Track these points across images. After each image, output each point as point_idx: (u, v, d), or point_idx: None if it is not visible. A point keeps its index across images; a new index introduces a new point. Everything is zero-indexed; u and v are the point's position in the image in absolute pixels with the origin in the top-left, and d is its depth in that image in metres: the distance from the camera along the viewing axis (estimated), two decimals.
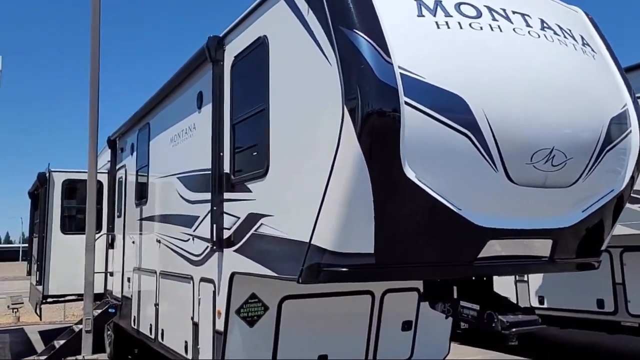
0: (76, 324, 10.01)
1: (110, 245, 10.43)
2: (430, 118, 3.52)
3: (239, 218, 5.07)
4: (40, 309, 10.65)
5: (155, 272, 7.54)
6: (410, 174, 3.53)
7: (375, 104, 3.43)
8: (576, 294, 8.42)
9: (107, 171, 11.26)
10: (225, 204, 5.35)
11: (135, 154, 9.15)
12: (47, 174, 10.65)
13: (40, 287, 10.51)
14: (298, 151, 4.16)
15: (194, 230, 6.17)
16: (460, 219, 3.72)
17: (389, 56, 3.53)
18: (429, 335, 6.25)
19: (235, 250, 5.10)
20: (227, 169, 5.35)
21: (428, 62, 3.62)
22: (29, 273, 14.09)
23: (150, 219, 7.96)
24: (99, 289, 10.75)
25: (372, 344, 5.90)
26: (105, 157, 11.44)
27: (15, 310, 16.93)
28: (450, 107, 3.57)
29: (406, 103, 3.48)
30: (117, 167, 10.39)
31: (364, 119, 3.41)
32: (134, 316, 8.59)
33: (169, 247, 7.02)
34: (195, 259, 6.11)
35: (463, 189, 3.73)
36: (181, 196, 6.68)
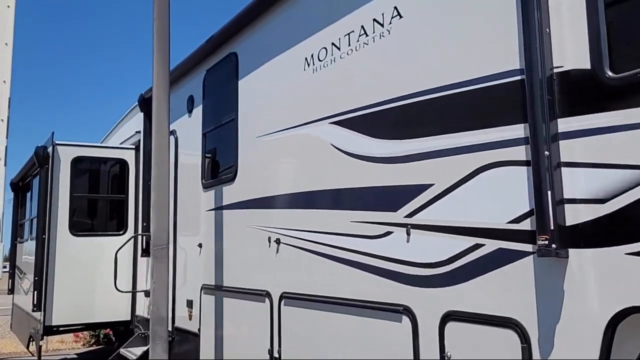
0: None
1: (145, 251, 7.17)
2: None
3: None
4: (40, 348, 7.29)
5: (269, 295, 4.38)
6: None
7: None
8: None
9: (133, 146, 8.00)
10: (567, 144, 2.29)
11: (199, 109, 5.96)
12: (50, 149, 7.33)
13: (38, 315, 7.16)
14: None
15: (411, 216, 3.06)
16: None
17: None
18: None
19: None
20: (582, 61, 2.29)
21: None
22: (11, 291, 10.61)
23: (249, 205, 4.79)
24: (121, 314, 7.53)
25: None
26: (131, 126, 8.18)
27: None
28: None
29: None
30: None
31: None
32: None
33: (314, 252, 3.87)
34: (417, 272, 3.00)
35: None
36: (350, 154, 3.56)
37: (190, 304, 5.83)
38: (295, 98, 4.24)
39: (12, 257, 10.50)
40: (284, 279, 4.23)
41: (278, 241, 4.29)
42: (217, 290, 5.26)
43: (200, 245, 5.69)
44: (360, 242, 3.43)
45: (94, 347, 12.92)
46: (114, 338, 12.40)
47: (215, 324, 5.25)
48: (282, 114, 4.39)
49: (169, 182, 4.45)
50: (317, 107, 3.94)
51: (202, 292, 5.56)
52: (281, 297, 4.23)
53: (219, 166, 5.50)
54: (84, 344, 13.30)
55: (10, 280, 10.53)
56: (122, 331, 8.87)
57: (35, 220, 7.98)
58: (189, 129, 6.10)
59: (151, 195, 4.28)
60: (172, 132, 6.61)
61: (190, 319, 5.81)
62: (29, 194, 9.61)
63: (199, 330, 5.55)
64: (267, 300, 4.40)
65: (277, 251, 4.31)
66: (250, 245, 4.73)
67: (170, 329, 6.35)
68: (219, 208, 5.34)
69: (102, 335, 12.73)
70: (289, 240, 4.17)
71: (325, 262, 3.73)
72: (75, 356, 12.01)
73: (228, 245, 5.15)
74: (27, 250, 8.91)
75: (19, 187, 10.33)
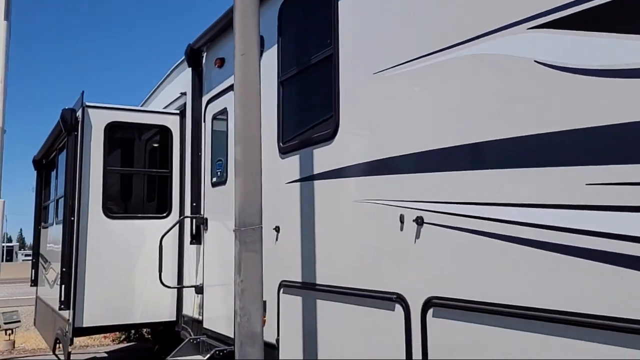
0: None
1: (194, 237, 5.84)
2: None
3: None
4: (69, 354, 6.01)
5: (401, 300, 2.98)
6: None
7: None
8: None
9: (177, 111, 6.66)
10: None
11: (272, 52, 4.54)
12: (80, 112, 6.02)
13: (66, 314, 5.89)
14: None
15: None
16: None
17: None
18: None
19: None
20: None
21: None
22: (35, 282, 9.42)
23: (361, 171, 3.38)
24: (164, 313, 6.25)
25: None
26: (174, 87, 6.83)
27: (10, 332, 12.18)
28: None
29: None
30: (207, 99, 5.79)
31: None
32: None
33: (498, 236, 2.46)
34: None
35: None
36: (588, 71, 2.14)
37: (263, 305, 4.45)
38: (456, 2, 2.81)
39: (35, 244, 9.29)
40: (433, 276, 2.82)
41: (420, 221, 2.88)
42: (307, 289, 3.88)
43: (277, 229, 4.31)
44: (617, 220, 2.00)
45: (125, 344, 11.75)
46: (146, 334, 11.22)
47: (304, 334, 3.88)
48: (427, 32, 2.96)
49: (260, 128, 3.05)
50: (503, 8, 2.51)
51: (282, 291, 4.19)
52: (428, 304, 2.82)
53: (306, 122, 4.10)
54: (113, 340, 12.14)
55: (33, 271, 9.32)
56: (161, 330, 7.61)
57: (61, 201, 6.71)
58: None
59: (235, 150, 2.90)
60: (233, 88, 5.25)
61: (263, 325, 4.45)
62: (53, 173, 8.36)
63: (278, 341, 4.18)
64: (398, 307, 3.01)
65: (418, 235, 2.90)
66: (364, 226, 3.33)
67: (225, 332, 5.03)
68: (306, 178, 3.95)
69: (133, 331, 11.54)
70: (443, 219, 2.75)
71: (529, 253, 2.31)
72: (106, 355, 10.83)
73: (323, 228, 3.76)
74: (53, 237, 7.67)
75: (43, 165, 9.10)
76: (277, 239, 4.32)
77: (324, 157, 3.76)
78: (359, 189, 3.39)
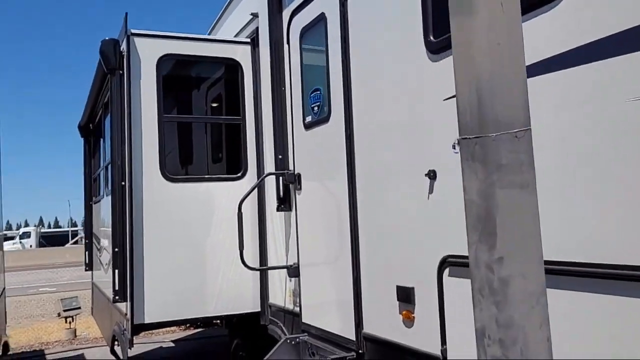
0: None
1: (282, 202, 4.34)
2: None
3: None
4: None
5: None
6: None
7: None
8: None
9: (248, 40, 5.13)
10: None
11: None
12: (124, 44, 4.57)
13: (124, 307, 4.57)
14: None
15: None
16: None
17: None
18: None
19: None
20: None
21: None
22: (89, 267, 8.26)
23: None
24: (245, 303, 4.85)
25: None
26: (243, 9, 5.29)
27: (70, 319, 11.26)
28: None
29: None
30: (291, 10, 4.21)
31: None
32: None
33: None
34: None
35: None
36: None
37: (406, 294, 2.91)
38: None
39: (87, 223, 8.10)
40: None
41: None
42: None
43: (432, 176, 2.73)
44: None
45: (193, 331, 10.58)
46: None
47: None
48: None
49: None
50: None
51: (446, 272, 2.62)
52: None
53: None
54: (179, 325, 10.99)
55: (87, 253, 8.16)
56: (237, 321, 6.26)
57: (110, 167, 5.37)
58: None
59: None
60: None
61: (409, 324, 2.91)
62: (101, 141, 7.08)
63: (444, 353, 2.63)
64: None
65: None
66: None
67: (340, 332, 3.53)
68: None
69: None
70: None
71: None
72: (172, 344, 9.69)
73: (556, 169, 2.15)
74: (104, 212, 6.40)
75: (90, 130, 7.84)
76: (431, 190, 2.74)
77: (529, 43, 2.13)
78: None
